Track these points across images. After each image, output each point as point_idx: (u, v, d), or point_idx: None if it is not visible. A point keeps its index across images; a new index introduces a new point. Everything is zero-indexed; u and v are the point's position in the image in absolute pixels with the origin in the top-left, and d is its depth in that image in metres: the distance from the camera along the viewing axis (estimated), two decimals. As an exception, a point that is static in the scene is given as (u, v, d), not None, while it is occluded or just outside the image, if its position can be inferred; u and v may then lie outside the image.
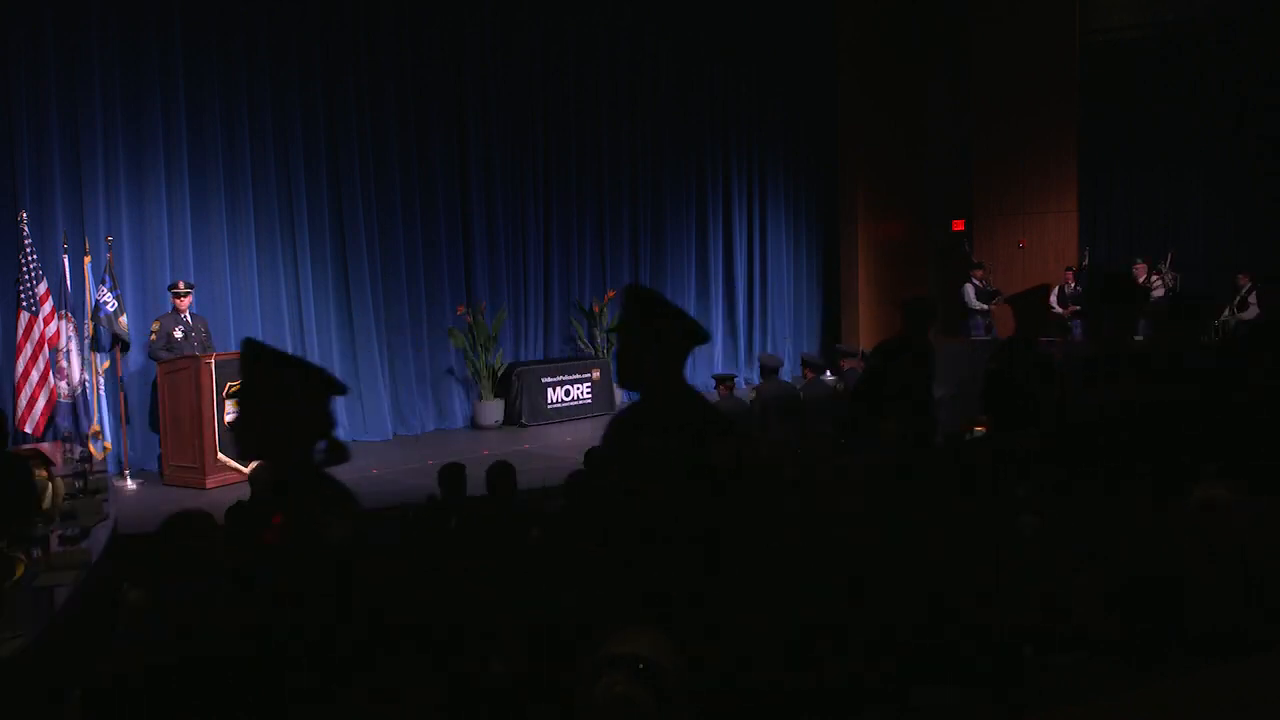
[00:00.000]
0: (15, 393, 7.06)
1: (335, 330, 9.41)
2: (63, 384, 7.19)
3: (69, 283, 7.34)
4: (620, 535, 2.38)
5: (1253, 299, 10.94)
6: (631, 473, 2.40)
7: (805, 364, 8.33)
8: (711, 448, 2.28)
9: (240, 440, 2.06)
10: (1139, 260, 11.99)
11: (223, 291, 8.51)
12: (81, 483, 5.28)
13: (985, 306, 11.81)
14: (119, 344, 7.51)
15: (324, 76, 9.23)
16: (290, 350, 8.71)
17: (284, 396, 2.01)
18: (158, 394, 7.58)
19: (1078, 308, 11.82)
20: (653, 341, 2.39)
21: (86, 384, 7.29)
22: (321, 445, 2.07)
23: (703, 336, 2.47)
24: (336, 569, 1.93)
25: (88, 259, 7.39)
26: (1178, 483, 2.82)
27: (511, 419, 10.34)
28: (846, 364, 8.30)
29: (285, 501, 2.00)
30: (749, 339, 13.75)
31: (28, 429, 7.08)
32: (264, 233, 8.87)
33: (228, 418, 7.34)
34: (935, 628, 2.32)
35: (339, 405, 2.19)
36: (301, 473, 2.03)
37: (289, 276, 9.08)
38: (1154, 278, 11.77)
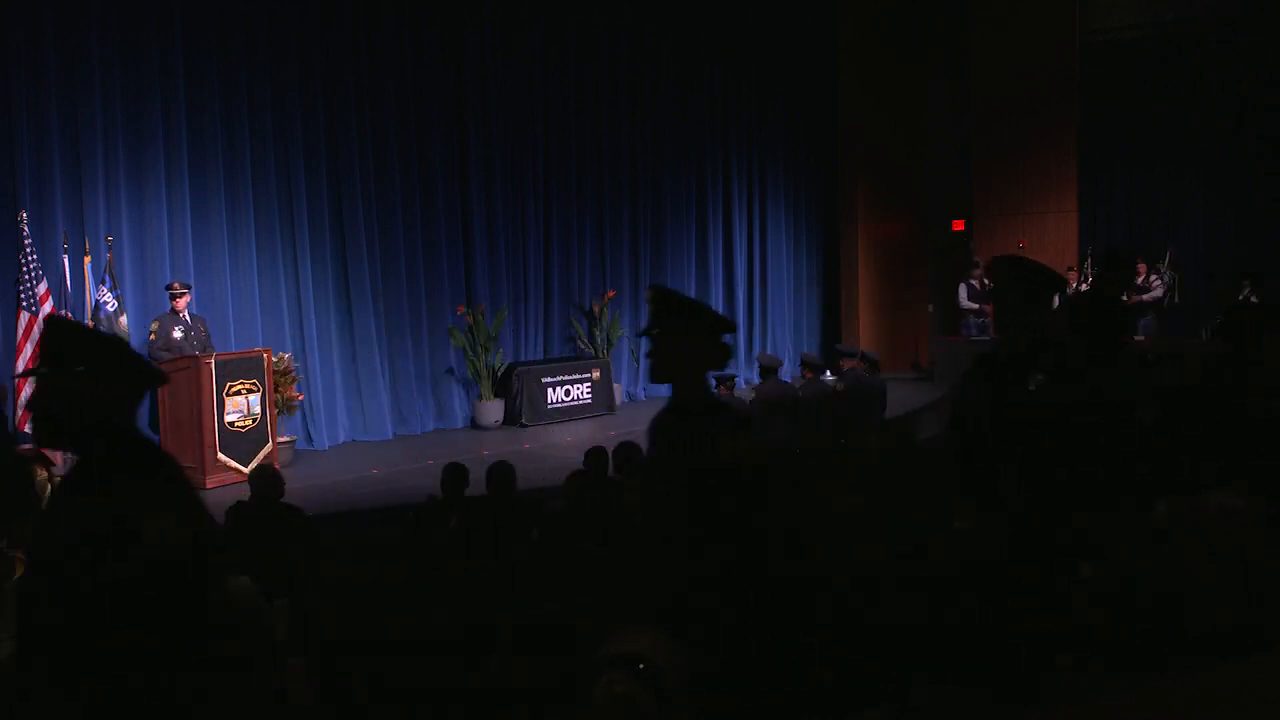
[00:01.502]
0: (15, 393, 7.06)
1: (335, 330, 9.40)
2: (63, 384, 7.18)
3: (69, 283, 7.34)
4: None
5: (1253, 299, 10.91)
6: None
7: (805, 364, 8.33)
8: None
9: (656, 368, 2.49)
10: (1139, 259, 11.98)
11: (223, 291, 8.51)
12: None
13: (978, 306, 11.80)
14: (119, 344, 7.50)
15: (324, 76, 9.23)
16: (290, 349, 8.72)
17: (691, 335, 2.42)
18: (158, 394, 7.57)
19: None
20: (88, 380, 2.02)
21: (86, 384, 7.27)
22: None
23: (158, 380, 2.18)
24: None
25: (88, 259, 7.39)
26: (1178, 483, 2.82)
27: (511, 419, 10.34)
28: (846, 364, 8.28)
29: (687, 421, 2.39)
30: (749, 339, 13.75)
31: (28, 429, 7.07)
32: (264, 233, 8.86)
33: (228, 417, 7.34)
34: (935, 627, 2.32)
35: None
36: (702, 397, 2.46)
37: (289, 276, 9.07)
38: (1153, 277, 11.76)
